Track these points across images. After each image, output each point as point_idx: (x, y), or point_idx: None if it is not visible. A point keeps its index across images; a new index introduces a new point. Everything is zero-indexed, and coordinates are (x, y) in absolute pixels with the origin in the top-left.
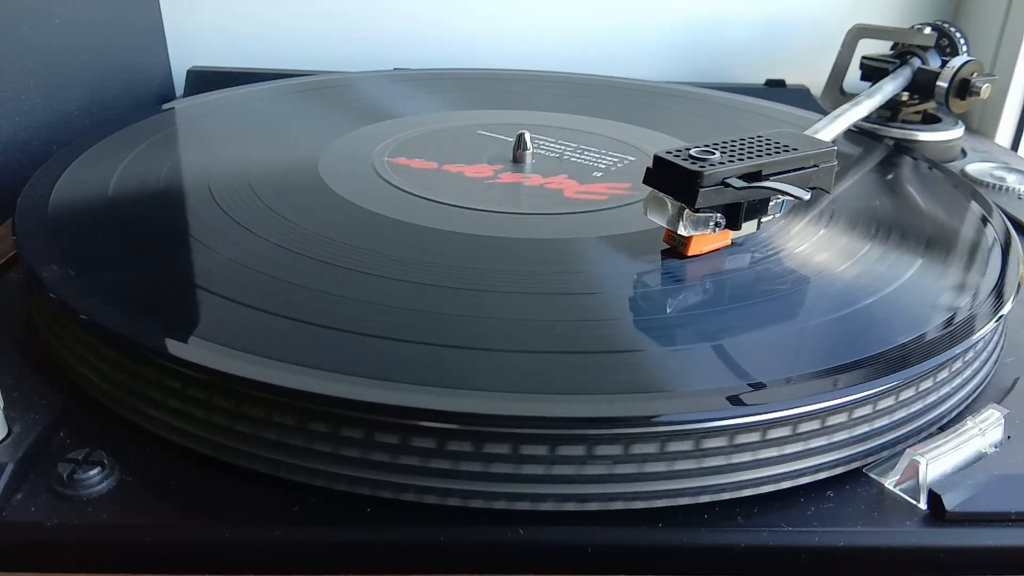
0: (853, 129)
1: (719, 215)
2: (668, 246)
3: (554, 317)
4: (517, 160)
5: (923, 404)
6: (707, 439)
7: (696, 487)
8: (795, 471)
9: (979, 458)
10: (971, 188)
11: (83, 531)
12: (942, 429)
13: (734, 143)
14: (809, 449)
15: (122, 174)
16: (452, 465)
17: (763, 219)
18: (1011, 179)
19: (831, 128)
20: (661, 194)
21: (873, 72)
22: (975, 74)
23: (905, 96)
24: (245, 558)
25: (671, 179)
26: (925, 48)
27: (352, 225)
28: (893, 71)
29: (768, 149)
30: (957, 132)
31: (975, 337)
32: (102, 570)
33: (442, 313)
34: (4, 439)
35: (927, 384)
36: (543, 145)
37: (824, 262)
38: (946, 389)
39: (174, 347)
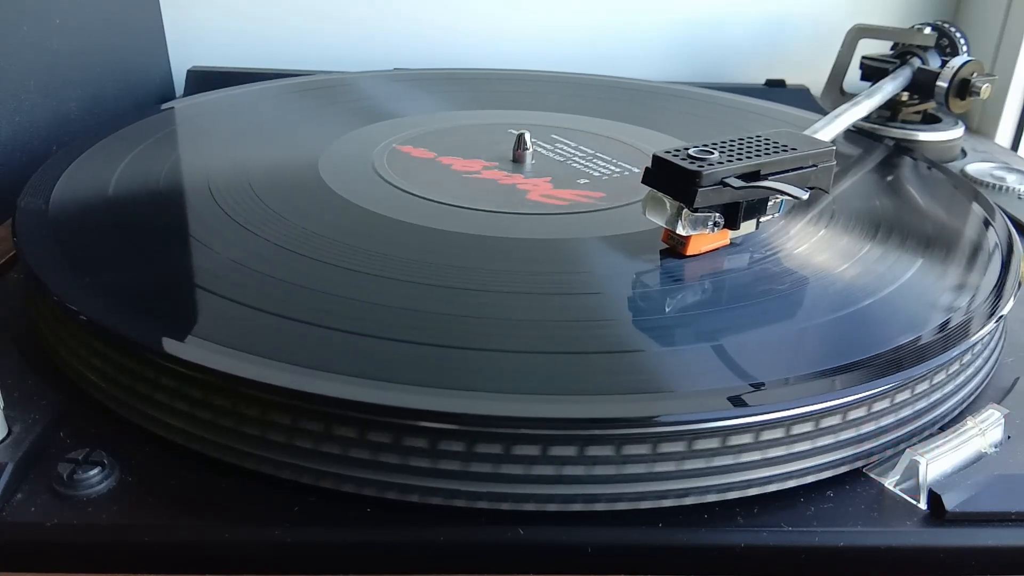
0: (853, 129)
1: (718, 215)
2: (667, 246)
3: (553, 317)
4: (517, 160)
5: (923, 404)
6: (708, 439)
7: (697, 487)
8: (796, 471)
9: (979, 458)
10: (972, 188)
11: (83, 531)
12: (942, 429)
13: (733, 143)
14: (809, 449)
15: (122, 174)
16: (454, 466)
17: (762, 219)
18: (1011, 179)
19: (831, 128)
20: (660, 194)
21: (873, 72)
22: (975, 74)
23: (905, 96)
24: (245, 558)
25: (670, 179)
26: (925, 48)
27: (352, 225)
28: (893, 71)
29: (767, 149)
30: (957, 132)
31: (975, 337)
32: (102, 570)
33: (442, 313)
34: (4, 439)
35: (927, 384)
36: (557, 147)
37: (824, 262)
38: (946, 389)
39: (174, 347)
